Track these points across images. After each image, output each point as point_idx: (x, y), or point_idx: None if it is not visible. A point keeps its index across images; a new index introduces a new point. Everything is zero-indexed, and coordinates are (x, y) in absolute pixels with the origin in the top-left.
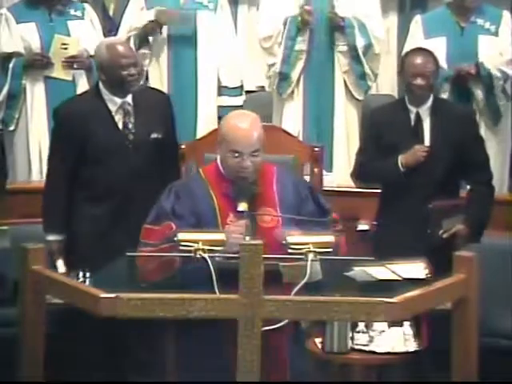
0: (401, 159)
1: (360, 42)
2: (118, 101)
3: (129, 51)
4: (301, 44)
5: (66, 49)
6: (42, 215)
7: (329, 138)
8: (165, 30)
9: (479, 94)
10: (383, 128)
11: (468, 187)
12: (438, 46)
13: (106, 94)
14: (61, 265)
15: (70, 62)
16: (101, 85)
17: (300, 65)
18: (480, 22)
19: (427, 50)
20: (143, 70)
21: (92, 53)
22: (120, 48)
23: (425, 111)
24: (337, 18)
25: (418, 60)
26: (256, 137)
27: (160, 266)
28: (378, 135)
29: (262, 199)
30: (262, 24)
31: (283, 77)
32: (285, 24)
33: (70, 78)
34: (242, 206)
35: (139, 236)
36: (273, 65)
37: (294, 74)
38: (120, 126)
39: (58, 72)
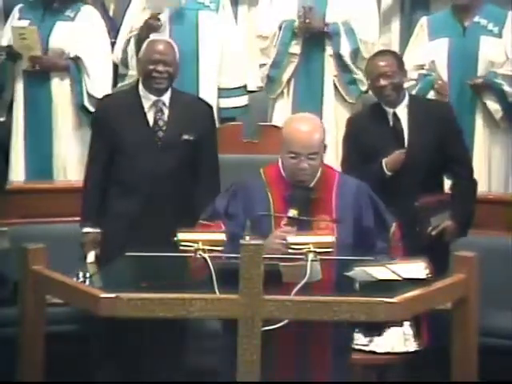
0: (385, 162)
1: (346, 49)
2: (153, 98)
3: (165, 49)
4: (294, 47)
5: (24, 39)
6: (81, 207)
7: None
8: (165, 17)
9: (491, 104)
10: (363, 133)
11: (450, 182)
12: (441, 47)
13: (142, 90)
14: (91, 256)
15: (32, 63)
16: (140, 81)
17: (292, 67)
18: (483, 22)
19: (389, 51)
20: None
21: (71, 55)
22: (157, 44)
23: (402, 110)
24: (314, 23)
25: (378, 61)
26: (315, 139)
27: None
28: (359, 141)
29: (319, 205)
30: (261, 23)
31: (271, 80)
32: (280, 28)
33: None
34: (292, 212)
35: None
36: (264, 65)
37: (285, 76)
38: (151, 122)
39: (27, 64)
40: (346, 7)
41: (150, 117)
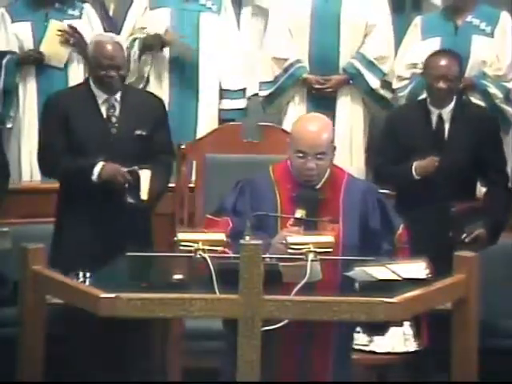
0: (415, 166)
1: (375, 82)
2: (105, 96)
3: (113, 52)
4: (298, 92)
5: (60, 36)
6: (71, 176)
7: None
8: (167, 19)
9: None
10: (403, 129)
11: (484, 189)
12: (433, 47)
13: (94, 88)
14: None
15: (68, 34)
16: (91, 78)
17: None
18: (476, 22)
19: (452, 52)
20: (142, 75)
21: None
22: (106, 48)
23: (447, 113)
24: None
25: (441, 62)
26: (322, 139)
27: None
28: (398, 136)
29: (326, 206)
30: (275, 45)
31: (264, 108)
32: (285, 70)
33: (61, 66)
34: (299, 213)
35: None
36: (264, 83)
37: (284, 102)
38: (104, 116)
39: (51, 60)
40: (360, 7)
41: (104, 111)
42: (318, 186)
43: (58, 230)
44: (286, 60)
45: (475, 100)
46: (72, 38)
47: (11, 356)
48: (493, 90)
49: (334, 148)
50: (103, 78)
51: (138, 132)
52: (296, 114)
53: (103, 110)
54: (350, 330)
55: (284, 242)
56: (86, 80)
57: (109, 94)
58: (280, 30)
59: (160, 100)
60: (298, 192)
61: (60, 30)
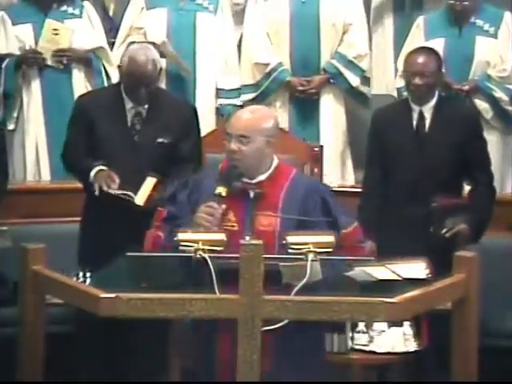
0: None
1: (355, 80)
2: (132, 103)
3: (146, 71)
4: (279, 97)
5: (56, 34)
6: (77, 175)
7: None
8: (163, 19)
9: (480, 104)
10: (386, 129)
11: (469, 187)
12: (436, 48)
13: (123, 92)
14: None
15: (60, 56)
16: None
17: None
18: (479, 22)
19: (430, 49)
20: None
21: (88, 48)
22: (140, 66)
23: (428, 110)
24: (319, 87)
25: (418, 59)
26: (246, 123)
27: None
28: (381, 137)
29: (265, 202)
30: (257, 49)
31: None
32: (269, 74)
33: (61, 66)
34: (219, 190)
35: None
36: (247, 86)
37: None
38: (129, 123)
39: (49, 60)
40: (337, 7)
41: (129, 118)
42: (256, 180)
43: (84, 229)
44: (267, 65)
45: (480, 102)
46: (65, 58)
47: (11, 356)
48: (498, 93)
49: (268, 142)
50: (134, 91)
51: (160, 140)
52: (279, 113)
53: (129, 116)
54: (318, 331)
55: (199, 215)
56: (119, 83)
57: (137, 105)
58: (258, 34)
59: (190, 108)
60: (233, 184)
61: (58, 51)
